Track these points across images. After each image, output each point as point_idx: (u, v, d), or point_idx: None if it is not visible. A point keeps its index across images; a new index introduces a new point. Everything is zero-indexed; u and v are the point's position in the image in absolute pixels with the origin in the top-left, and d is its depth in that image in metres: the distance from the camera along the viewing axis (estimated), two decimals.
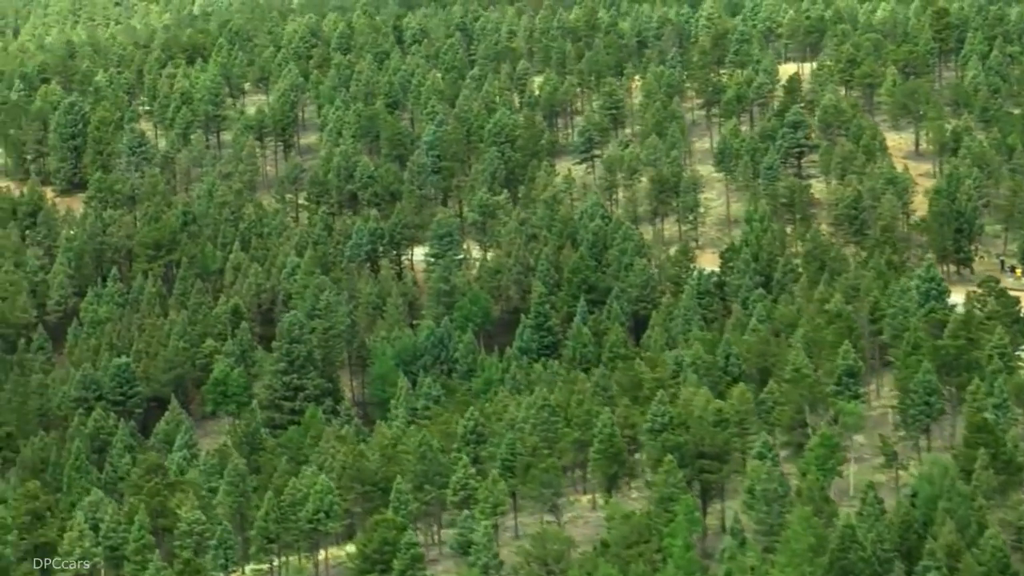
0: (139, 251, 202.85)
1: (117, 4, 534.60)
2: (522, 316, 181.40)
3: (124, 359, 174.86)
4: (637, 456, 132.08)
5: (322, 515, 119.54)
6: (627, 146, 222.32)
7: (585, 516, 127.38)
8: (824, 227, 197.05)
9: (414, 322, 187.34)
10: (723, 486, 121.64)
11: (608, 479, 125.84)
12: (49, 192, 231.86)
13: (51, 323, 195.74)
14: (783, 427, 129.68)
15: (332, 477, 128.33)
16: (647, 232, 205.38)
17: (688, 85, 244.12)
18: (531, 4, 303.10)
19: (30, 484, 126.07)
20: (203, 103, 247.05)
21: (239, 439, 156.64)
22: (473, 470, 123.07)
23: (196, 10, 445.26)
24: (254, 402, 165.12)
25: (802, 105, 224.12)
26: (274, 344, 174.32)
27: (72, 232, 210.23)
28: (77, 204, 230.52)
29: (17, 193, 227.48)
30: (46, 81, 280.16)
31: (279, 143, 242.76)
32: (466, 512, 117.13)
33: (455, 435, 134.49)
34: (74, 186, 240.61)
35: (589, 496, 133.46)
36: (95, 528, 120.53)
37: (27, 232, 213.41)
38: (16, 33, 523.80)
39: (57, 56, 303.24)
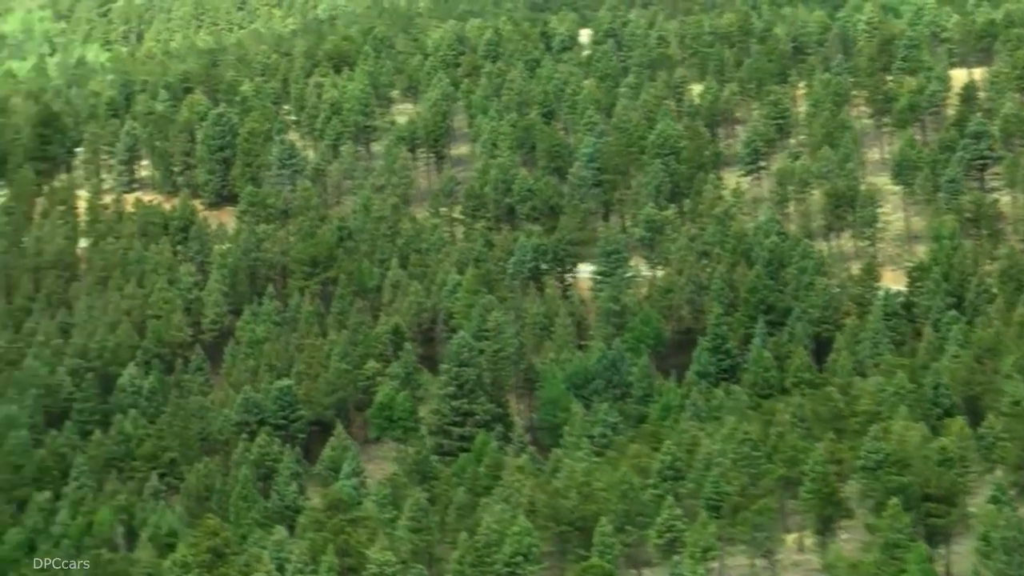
0: (294, 268, 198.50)
1: (240, 8, 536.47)
2: (697, 338, 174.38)
3: (286, 381, 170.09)
4: (844, 494, 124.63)
5: (520, 558, 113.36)
6: (798, 157, 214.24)
7: (795, 559, 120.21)
8: (1015, 243, 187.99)
9: (582, 343, 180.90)
10: (950, 531, 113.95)
11: (821, 521, 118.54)
12: (197, 205, 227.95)
13: (206, 342, 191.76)
14: (1008, 466, 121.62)
15: (521, 514, 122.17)
16: (821, 248, 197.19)
17: (855, 93, 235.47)
18: (667, 7, 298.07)
19: (210, 521, 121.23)
20: (353, 113, 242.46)
21: (409, 467, 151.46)
22: (679, 510, 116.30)
23: (321, 14, 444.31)
24: (423, 428, 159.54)
25: (980, 114, 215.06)
26: (442, 367, 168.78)
27: (225, 248, 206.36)
28: (226, 218, 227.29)
29: (166, 207, 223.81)
30: (189, 91, 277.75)
31: (431, 154, 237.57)
32: (676, 557, 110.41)
33: (649, 469, 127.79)
34: (222, 199, 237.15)
35: (793, 535, 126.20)
36: (280, 568, 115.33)
37: (178, 248, 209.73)
38: (139, 38, 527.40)
39: (200, 65, 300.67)
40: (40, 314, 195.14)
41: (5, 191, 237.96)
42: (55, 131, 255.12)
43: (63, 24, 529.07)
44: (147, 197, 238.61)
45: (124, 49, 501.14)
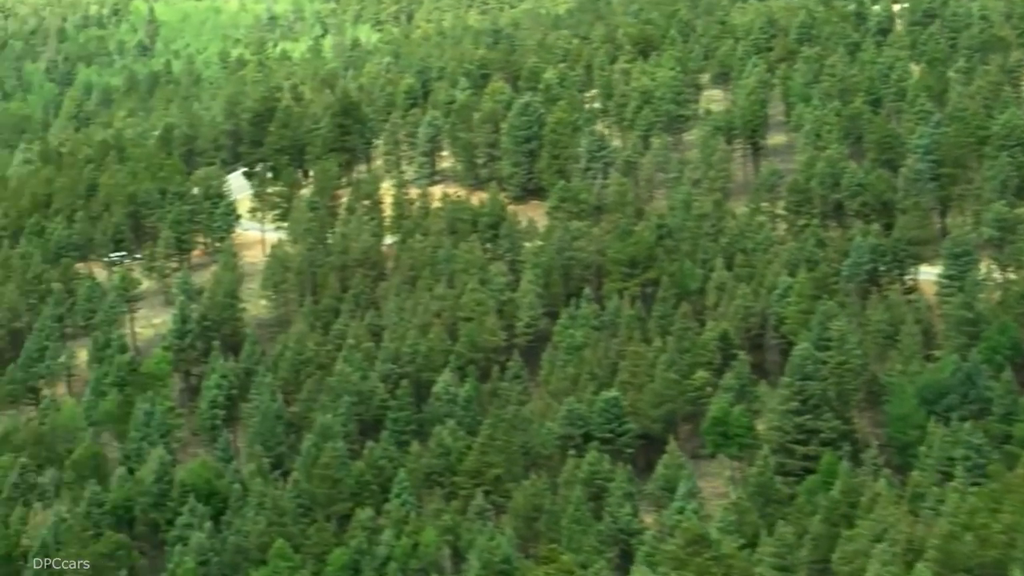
0: (611, 268, 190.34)
1: None
2: None
3: (612, 392, 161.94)
4: None
5: None
6: None
7: None
8: None
9: (929, 354, 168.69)
10: None
11: None
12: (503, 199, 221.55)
13: (520, 347, 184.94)
14: None
15: (897, 552, 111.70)
16: None
17: None
18: None
19: (553, 552, 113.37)
20: (664, 102, 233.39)
21: (751, 489, 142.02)
22: None
23: None
24: (765, 448, 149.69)
25: None
26: (782, 380, 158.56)
27: (537, 245, 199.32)
28: (531, 212, 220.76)
29: (471, 200, 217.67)
30: (485, 77, 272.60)
31: (748, 145, 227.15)
32: None
33: None
34: (528, 192, 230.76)
35: None
36: None
37: (487, 246, 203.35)
38: (410, 18, 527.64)
39: (500, 51, 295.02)
40: (348, 315, 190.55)
41: (308, 184, 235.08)
42: (355, 121, 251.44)
43: (333, 4, 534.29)
44: (449, 190, 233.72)
45: (395, 30, 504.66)
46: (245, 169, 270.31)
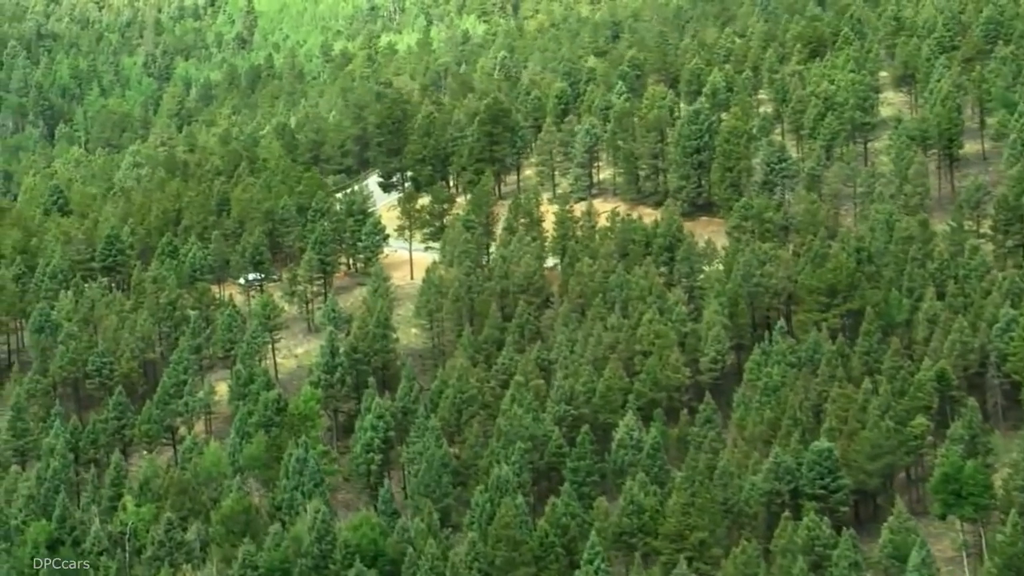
0: (806, 297, 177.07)
1: None
2: None
3: (825, 443, 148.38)
4: None
5: None
6: None
7: None
8: None
9: None
10: None
11: None
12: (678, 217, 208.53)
13: (706, 385, 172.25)
14: None
15: None
16: None
17: None
18: None
19: None
20: (847, 108, 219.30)
21: (1001, 560, 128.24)
22: None
23: None
24: (1012, 511, 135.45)
25: None
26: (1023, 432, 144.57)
27: (719, 270, 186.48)
28: (700, 229, 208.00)
29: (646, 220, 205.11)
30: (639, 78, 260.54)
31: (943, 156, 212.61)
32: None
33: None
34: (697, 208, 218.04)
35: None
36: None
37: (661, 270, 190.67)
38: (515, 9, 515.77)
39: (655, 52, 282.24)
40: (513, 348, 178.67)
41: (461, 201, 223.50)
42: (504, 129, 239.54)
43: None
44: (608, 205, 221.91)
45: (501, 21, 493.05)
46: (379, 179, 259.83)
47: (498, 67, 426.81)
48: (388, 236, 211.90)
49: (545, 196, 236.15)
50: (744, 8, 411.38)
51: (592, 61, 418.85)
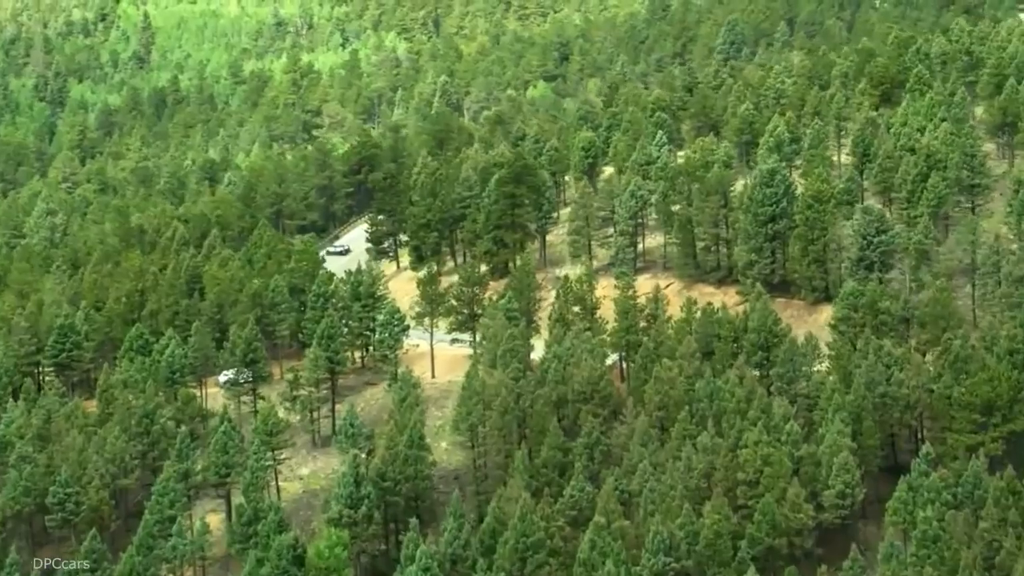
0: (956, 414, 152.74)
1: None
2: None
3: None
4: None
5: None
6: None
7: None
8: None
9: None
10: None
11: None
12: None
13: (828, 524, 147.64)
14: None
15: None
16: None
17: None
18: None
19: None
20: (953, 167, 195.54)
21: None
22: None
23: None
24: None
25: None
26: None
27: (825, 372, 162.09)
28: (781, 314, 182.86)
29: (721, 306, 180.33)
30: (668, 123, 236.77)
31: None
32: None
33: None
34: (771, 288, 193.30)
35: None
36: None
37: (755, 372, 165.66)
38: (437, 25, 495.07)
39: (677, 90, 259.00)
40: (582, 475, 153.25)
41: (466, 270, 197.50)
42: (529, 189, 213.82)
43: (346, 8, 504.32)
44: (658, 282, 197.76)
45: (424, 39, 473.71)
46: (369, 243, 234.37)
47: (439, 92, 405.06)
48: (408, 327, 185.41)
49: (577, 270, 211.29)
50: (706, 28, 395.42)
51: (541, 86, 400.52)
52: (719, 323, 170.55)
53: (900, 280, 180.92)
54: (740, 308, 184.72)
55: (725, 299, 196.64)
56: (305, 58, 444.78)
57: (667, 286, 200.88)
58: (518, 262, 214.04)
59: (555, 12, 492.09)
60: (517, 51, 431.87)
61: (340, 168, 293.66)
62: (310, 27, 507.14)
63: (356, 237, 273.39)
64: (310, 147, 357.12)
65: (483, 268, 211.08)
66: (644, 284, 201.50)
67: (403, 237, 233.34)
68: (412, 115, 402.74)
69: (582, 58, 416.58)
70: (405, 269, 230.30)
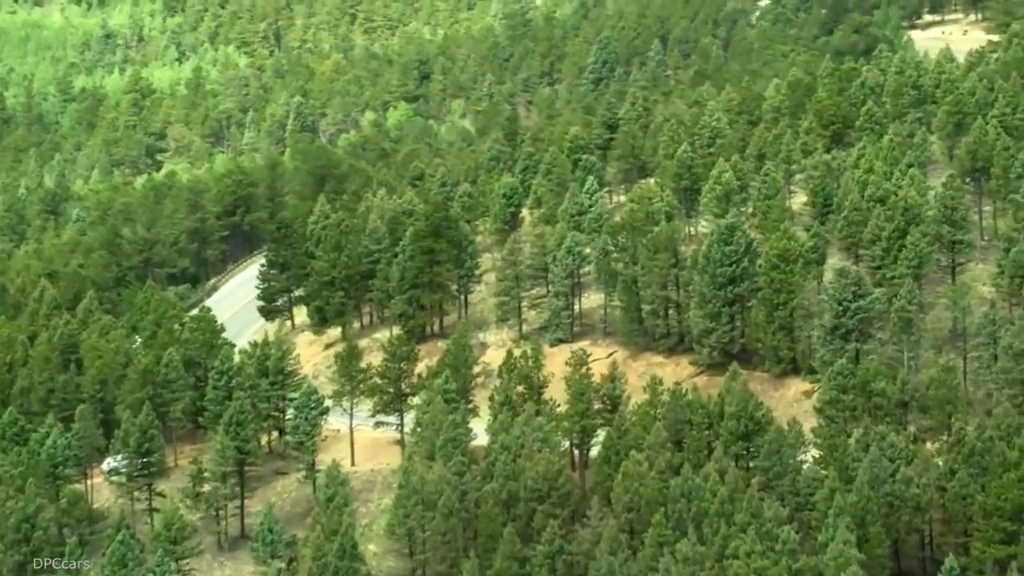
0: (981, 523, 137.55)
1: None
2: None
3: None
4: None
5: None
6: None
7: None
8: None
9: None
10: None
11: None
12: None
13: None
14: None
15: None
16: None
17: None
18: None
19: None
20: (934, 221, 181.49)
21: None
22: None
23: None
24: None
25: None
26: None
27: (815, 465, 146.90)
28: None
29: (692, 388, 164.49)
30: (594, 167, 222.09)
31: None
32: None
33: None
34: (728, 357, 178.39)
35: None
36: None
37: (737, 464, 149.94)
38: (277, 37, 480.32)
39: (596, 124, 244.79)
40: None
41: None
42: (450, 244, 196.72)
43: (179, 18, 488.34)
44: (599, 350, 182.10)
45: (266, 52, 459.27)
46: (259, 301, 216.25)
47: (292, 114, 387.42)
48: (327, 410, 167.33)
49: (506, 336, 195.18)
50: (574, 46, 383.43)
51: (402, 108, 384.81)
52: (691, 407, 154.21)
53: (880, 352, 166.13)
54: (705, 387, 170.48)
55: (678, 370, 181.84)
56: (140, 73, 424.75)
57: (610, 354, 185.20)
58: (436, 326, 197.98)
59: (404, 25, 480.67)
60: (374, 69, 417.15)
61: (213, 209, 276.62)
62: (141, 39, 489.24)
63: (234, 288, 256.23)
64: (155, 174, 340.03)
65: (396, 331, 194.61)
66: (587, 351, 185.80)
67: (298, 291, 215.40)
68: (264, 138, 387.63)
69: (444, 77, 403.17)
70: (302, 330, 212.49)
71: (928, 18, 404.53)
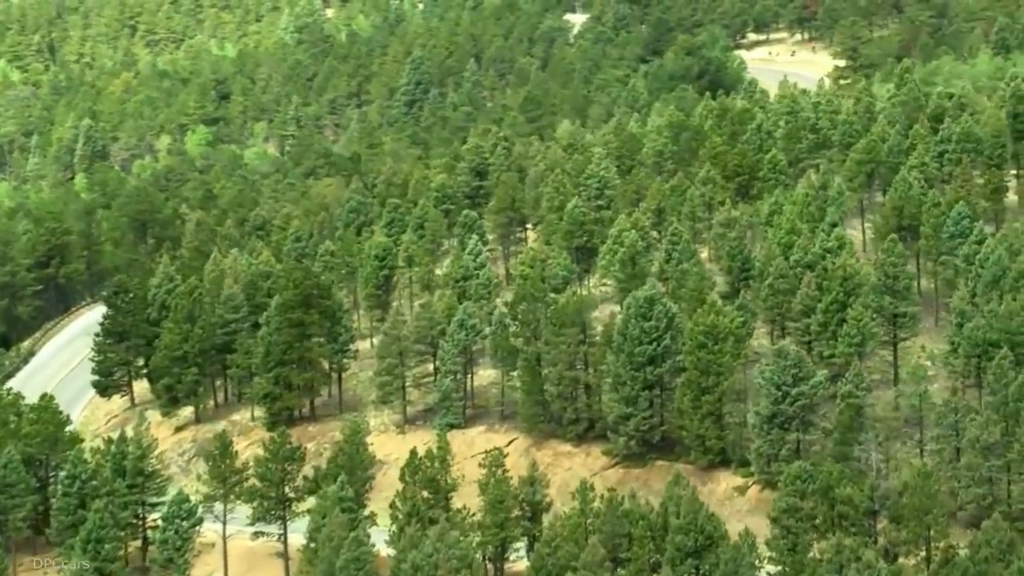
0: None
1: (195, 12, 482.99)
2: None
3: None
4: None
5: None
6: None
7: None
8: None
9: None
10: None
11: None
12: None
13: None
14: None
15: None
16: None
17: None
18: None
19: None
20: (883, 292, 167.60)
21: None
22: None
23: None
24: None
25: None
26: None
27: None
28: (659, 482, 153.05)
29: (625, 497, 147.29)
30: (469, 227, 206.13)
31: None
32: None
33: None
34: (651, 449, 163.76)
35: None
36: None
37: None
38: (52, 50, 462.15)
39: (463, 173, 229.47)
40: None
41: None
42: (322, 316, 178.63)
43: None
44: (499, 438, 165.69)
45: (43, 67, 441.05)
46: (94, 375, 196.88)
47: (82, 138, 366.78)
48: (202, 519, 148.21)
49: (388, 419, 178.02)
50: (383, 65, 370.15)
51: (201, 131, 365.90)
52: (629, 518, 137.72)
53: (823, 444, 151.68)
54: (622, 480, 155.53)
55: (589, 461, 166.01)
56: None
57: (510, 443, 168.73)
58: (305, 408, 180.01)
59: (189, 38, 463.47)
60: (167, 89, 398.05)
61: (24, 261, 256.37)
62: None
63: (55, 351, 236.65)
64: None
65: (258, 412, 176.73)
66: (478, 440, 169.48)
67: (137, 361, 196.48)
68: (51, 164, 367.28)
69: (244, 98, 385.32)
70: (144, 408, 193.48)
71: (752, 37, 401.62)
